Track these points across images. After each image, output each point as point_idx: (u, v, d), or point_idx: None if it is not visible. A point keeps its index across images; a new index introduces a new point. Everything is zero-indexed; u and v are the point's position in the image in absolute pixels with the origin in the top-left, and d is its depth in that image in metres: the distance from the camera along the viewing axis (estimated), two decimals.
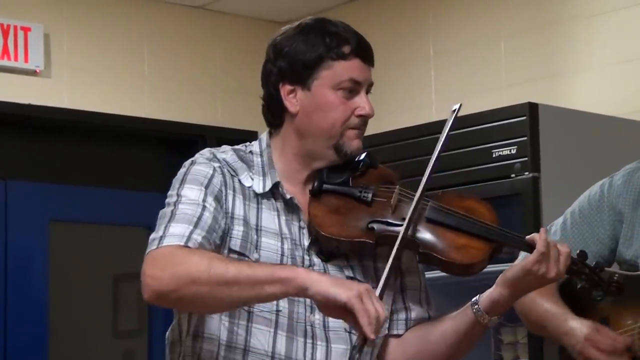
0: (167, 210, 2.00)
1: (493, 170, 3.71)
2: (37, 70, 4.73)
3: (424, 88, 4.79)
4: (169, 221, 1.96)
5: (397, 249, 1.95)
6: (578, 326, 2.37)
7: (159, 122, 5.02)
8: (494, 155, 3.72)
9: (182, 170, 2.06)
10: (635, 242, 2.47)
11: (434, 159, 2.06)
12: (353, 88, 2.06)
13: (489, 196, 3.67)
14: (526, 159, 3.60)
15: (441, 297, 4.16)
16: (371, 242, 2.00)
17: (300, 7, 5.09)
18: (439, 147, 2.08)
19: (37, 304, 4.71)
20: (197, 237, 1.94)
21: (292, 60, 2.06)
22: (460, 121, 3.90)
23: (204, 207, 1.98)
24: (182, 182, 2.03)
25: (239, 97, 5.23)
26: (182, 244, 1.92)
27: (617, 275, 2.13)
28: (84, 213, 4.88)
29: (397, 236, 1.97)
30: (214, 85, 5.22)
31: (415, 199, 2.00)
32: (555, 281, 2.04)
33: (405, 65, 4.89)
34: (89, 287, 4.95)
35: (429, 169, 2.04)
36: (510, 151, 3.66)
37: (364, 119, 2.09)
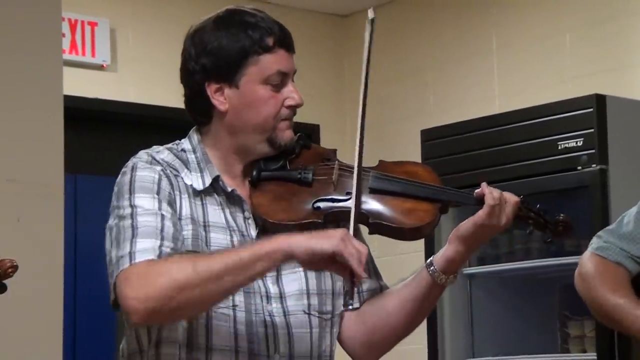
0: (125, 224, 1.93)
1: (559, 162, 3.68)
2: (104, 65, 4.79)
3: (487, 81, 4.77)
4: (133, 236, 1.91)
5: (354, 222, 1.94)
6: None
7: None
8: (559, 147, 3.69)
9: (125, 179, 1.99)
10: None
11: (361, 106, 2.01)
12: (281, 80, 2.03)
13: (554, 188, 3.66)
14: (593, 150, 3.57)
15: (507, 289, 4.16)
16: (319, 221, 1.99)
17: (364, 0, 5.08)
18: (365, 76, 2.00)
19: (106, 296, 4.76)
20: (167, 249, 1.90)
21: (216, 59, 2.01)
22: (525, 113, 3.93)
23: (163, 215, 1.93)
24: (131, 191, 1.96)
25: (303, 92, 5.22)
26: (155, 258, 1.88)
27: (562, 215, 2.09)
28: None
29: (344, 211, 1.97)
30: None
31: (355, 169, 1.98)
32: (503, 229, 2.02)
33: (468, 58, 4.87)
34: None
35: (360, 121, 2.00)
36: (576, 143, 3.63)
37: (294, 109, 2.06)
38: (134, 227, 1.92)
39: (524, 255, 3.99)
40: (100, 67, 4.78)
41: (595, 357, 3.60)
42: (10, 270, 2.19)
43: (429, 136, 4.18)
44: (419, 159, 4.09)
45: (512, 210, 2.00)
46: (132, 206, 1.95)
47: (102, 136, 4.90)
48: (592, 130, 3.58)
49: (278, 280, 2.00)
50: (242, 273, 1.86)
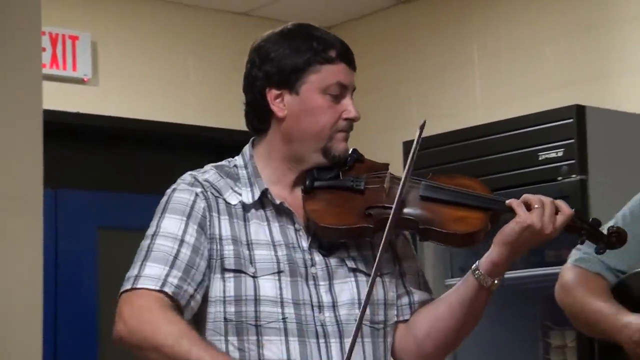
0: (144, 244, 2.02)
1: (540, 173, 3.70)
2: (85, 79, 4.78)
3: (469, 92, 4.78)
4: (145, 259, 2.00)
5: (390, 225, 1.99)
6: (635, 322, 2.34)
7: (206, 128, 5.05)
8: (540, 158, 3.71)
9: (163, 199, 2.08)
10: None
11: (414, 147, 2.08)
12: (340, 92, 2.08)
13: None
14: (573, 161, 3.58)
15: (490, 300, 4.15)
16: (371, 226, 2.03)
17: (346, 11, 5.10)
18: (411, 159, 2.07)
19: (87, 310, 4.75)
20: (173, 279, 1.97)
21: (279, 65, 2.07)
22: (506, 124, 3.93)
23: (182, 241, 2.00)
24: (163, 211, 2.05)
25: None
26: (157, 288, 1.96)
27: (615, 226, 2.15)
28: (132, 220, 4.90)
29: (396, 218, 2.01)
30: None
31: (404, 175, 2.04)
32: (552, 237, 2.03)
33: (450, 69, 4.88)
34: None
35: (416, 143, 2.07)
36: (557, 154, 3.64)
37: (351, 122, 2.11)
38: (149, 249, 2.00)
39: None
40: (81, 81, 4.78)
41: None
42: None
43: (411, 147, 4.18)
44: (401, 171, 4.10)
45: (562, 220, 2.02)
46: (157, 226, 2.03)
47: (84, 150, 4.89)
48: (572, 140, 3.59)
49: (331, 288, 2.04)
50: None
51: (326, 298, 2.03)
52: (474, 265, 2.07)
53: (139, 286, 1.97)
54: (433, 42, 4.96)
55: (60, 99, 4.67)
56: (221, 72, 5.17)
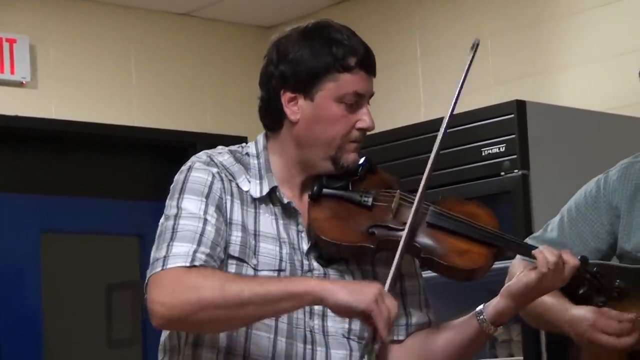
0: (167, 225, 1.97)
1: (482, 168, 3.71)
2: (24, 82, 4.73)
3: (412, 89, 4.80)
4: (171, 239, 1.94)
5: (400, 254, 1.96)
6: (581, 313, 2.37)
7: (148, 130, 5.02)
8: (483, 154, 3.72)
9: (180, 177, 2.03)
10: (634, 235, 2.47)
11: (435, 149, 2.08)
12: (355, 101, 2.06)
13: (478, 195, 3.68)
14: (515, 156, 3.60)
15: (439, 299, 4.17)
16: (372, 246, 2.00)
17: (288, 11, 5.09)
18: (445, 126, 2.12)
19: (31, 315, 4.70)
20: (202, 255, 1.93)
21: (296, 68, 2.04)
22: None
23: (205, 220, 1.96)
24: (182, 191, 2.00)
25: (228, 104, 5.23)
26: (187, 264, 1.91)
27: (618, 280, 2.13)
28: (75, 223, 4.88)
29: (398, 241, 1.98)
30: (202, 92, 5.22)
31: (416, 202, 2.00)
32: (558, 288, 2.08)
33: (393, 67, 4.89)
34: (82, 297, 4.95)
35: (429, 166, 2.05)
36: (499, 149, 3.66)
37: (364, 132, 2.08)
38: (174, 230, 1.95)
39: None
40: (20, 84, 4.73)
41: None
42: None
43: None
44: None
45: (569, 272, 2.02)
46: (178, 207, 1.97)
47: (24, 154, 4.84)
48: (514, 136, 3.62)
49: None
50: (267, 306, 1.89)
51: (317, 306, 2.00)
52: (479, 308, 2.07)
53: (169, 266, 1.91)
54: (375, 40, 4.94)
55: None
56: (164, 73, 5.13)
